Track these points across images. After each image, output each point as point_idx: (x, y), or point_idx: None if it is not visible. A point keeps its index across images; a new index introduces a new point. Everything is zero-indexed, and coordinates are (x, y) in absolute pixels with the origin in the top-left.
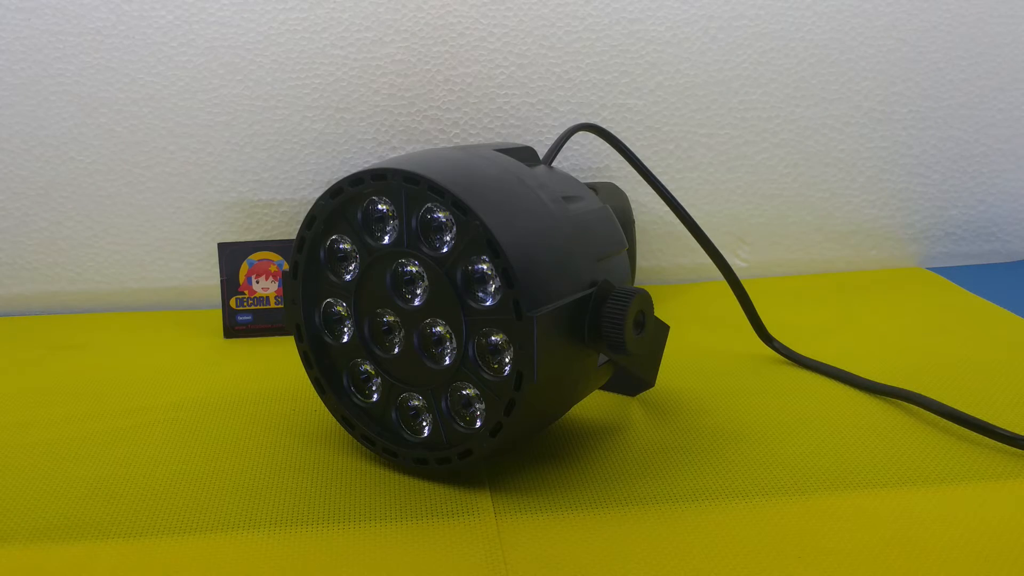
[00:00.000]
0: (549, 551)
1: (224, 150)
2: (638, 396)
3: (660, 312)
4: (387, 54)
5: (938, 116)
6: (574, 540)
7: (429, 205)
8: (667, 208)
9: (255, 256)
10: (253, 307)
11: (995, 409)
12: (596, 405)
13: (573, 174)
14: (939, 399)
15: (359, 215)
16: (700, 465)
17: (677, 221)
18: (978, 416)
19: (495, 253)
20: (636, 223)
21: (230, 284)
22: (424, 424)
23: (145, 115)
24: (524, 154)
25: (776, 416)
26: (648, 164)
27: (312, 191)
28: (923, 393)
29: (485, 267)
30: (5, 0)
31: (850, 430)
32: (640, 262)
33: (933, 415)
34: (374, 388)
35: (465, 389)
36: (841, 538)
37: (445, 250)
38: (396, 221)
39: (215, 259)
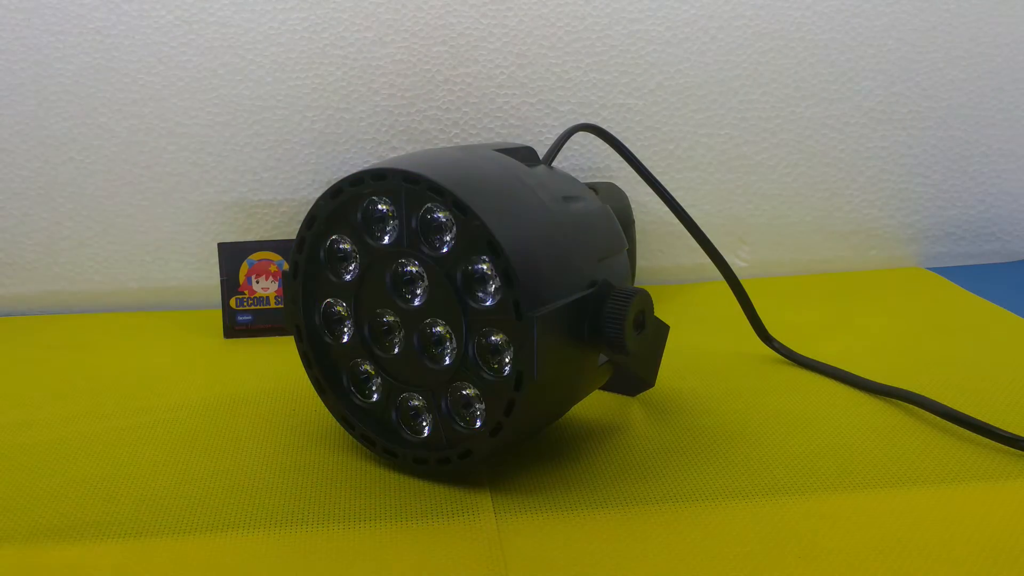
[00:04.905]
0: (549, 551)
1: (224, 150)
2: (638, 396)
3: (660, 312)
4: (387, 54)
5: (938, 116)
6: (574, 540)
7: (429, 205)
8: (667, 208)
9: (255, 256)
10: (253, 307)
11: (995, 409)
12: (596, 405)
13: (573, 174)
14: (939, 399)
15: (359, 215)
16: (700, 465)
17: (677, 221)
18: (978, 416)
19: (495, 253)
20: (636, 223)
21: (230, 284)
22: (424, 424)
23: (145, 115)
24: (524, 154)
25: (776, 416)
26: (648, 164)
27: (312, 191)
28: (923, 393)
29: (485, 267)
30: (5, 0)
31: (850, 430)
32: (640, 262)
33: (933, 415)
34: (374, 388)
35: (465, 389)
36: (841, 538)
37: (445, 250)
38: (396, 221)
39: (215, 259)
